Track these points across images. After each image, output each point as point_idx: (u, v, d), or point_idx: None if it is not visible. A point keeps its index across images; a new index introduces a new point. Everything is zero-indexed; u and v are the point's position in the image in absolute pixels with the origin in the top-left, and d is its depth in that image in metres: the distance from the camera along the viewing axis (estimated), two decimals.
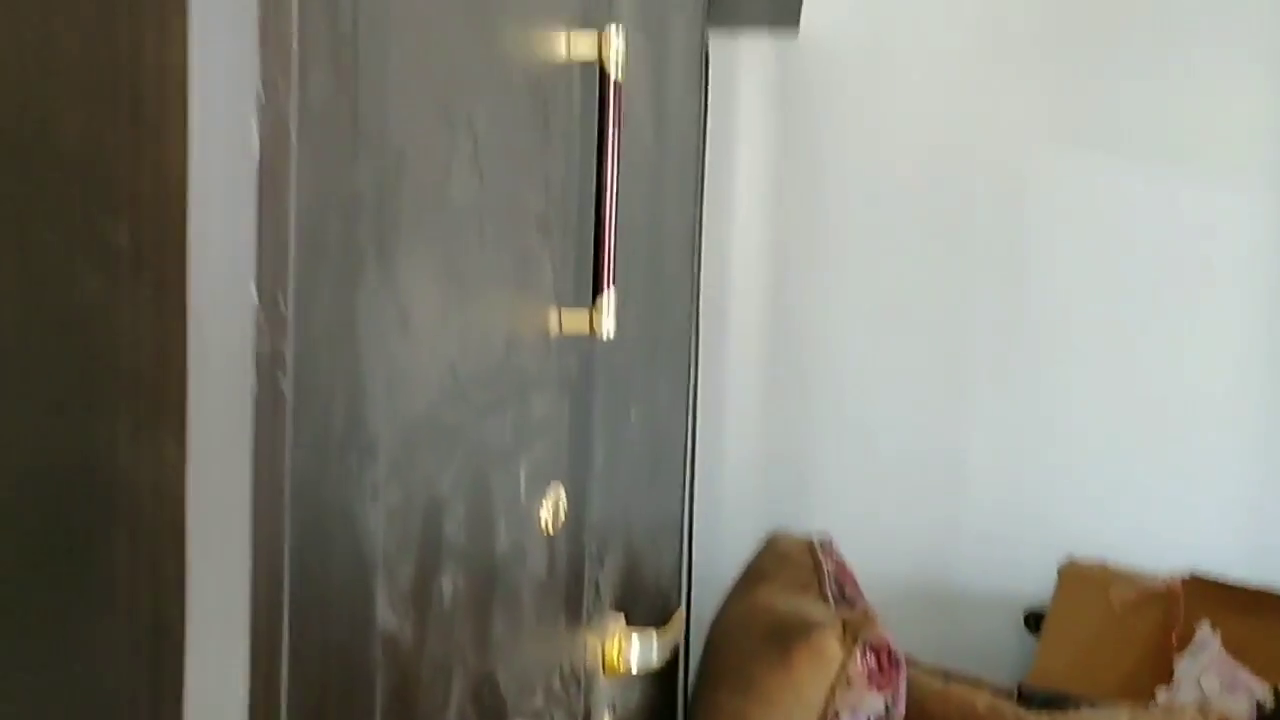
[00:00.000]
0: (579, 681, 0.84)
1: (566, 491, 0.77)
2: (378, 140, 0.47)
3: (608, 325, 0.75)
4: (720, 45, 1.81)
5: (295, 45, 0.40)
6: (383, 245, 0.49)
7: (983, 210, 1.80)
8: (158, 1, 0.37)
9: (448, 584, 0.57)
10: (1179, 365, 1.78)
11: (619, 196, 0.78)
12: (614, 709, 0.97)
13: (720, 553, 1.77)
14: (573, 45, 0.73)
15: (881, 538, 1.81)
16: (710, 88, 1.77)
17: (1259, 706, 1.45)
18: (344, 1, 0.43)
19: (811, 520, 1.77)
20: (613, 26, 0.73)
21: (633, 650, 0.93)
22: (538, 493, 0.72)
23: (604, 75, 0.76)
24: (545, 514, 0.73)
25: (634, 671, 0.93)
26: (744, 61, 1.83)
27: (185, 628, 0.39)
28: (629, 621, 0.97)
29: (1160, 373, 1.78)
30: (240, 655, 0.41)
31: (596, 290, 0.75)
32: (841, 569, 1.42)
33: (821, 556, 1.42)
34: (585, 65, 0.76)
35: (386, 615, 0.50)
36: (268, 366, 0.41)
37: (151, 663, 0.39)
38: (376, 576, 0.49)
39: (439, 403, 0.55)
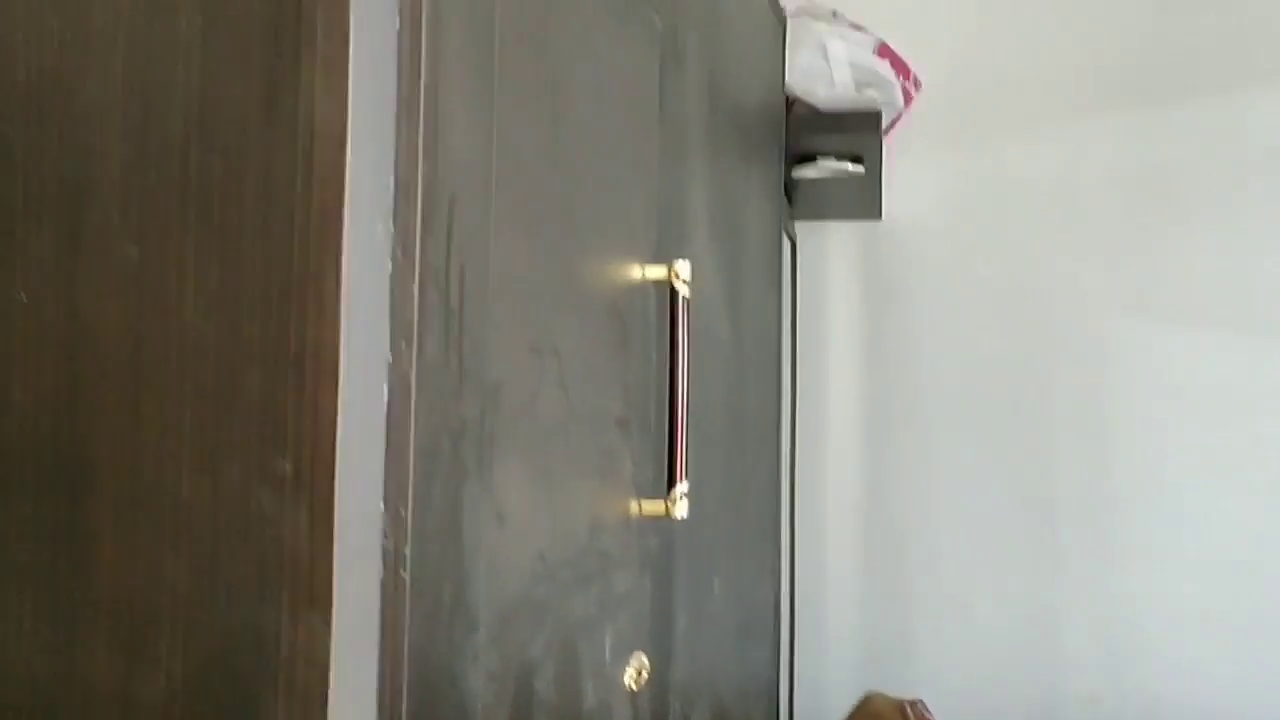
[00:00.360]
0: None
1: (649, 657, 0.87)
2: (478, 378, 0.61)
3: (681, 511, 0.87)
4: (808, 230, 1.96)
5: (415, 321, 0.54)
6: (482, 459, 0.62)
7: (1067, 379, 1.88)
8: (317, 299, 0.51)
9: None
10: (1270, 528, 1.80)
11: (693, 395, 0.91)
12: None
13: (823, 715, 1.83)
14: (647, 272, 0.87)
15: (981, 703, 1.84)
16: (799, 271, 1.91)
17: None
18: (453, 283, 0.57)
19: (911, 686, 1.82)
20: (679, 261, 0.87)
21: None
22: (622, 658, 0.82)
23: (674, 293, 0.89)
24: (629, 677, 0.83)
25: None
26: (832, 246, 1.97)
27: None
28: None
29: (1251, 536, 1.81)
30: None
31: (671, 481, 0.87)
32: None
33: (913, 719, 1.47)
34: (659, 283, 0.90)
35: None
36: (392, 561, 0.54)
37: None
38: None
39: (530, 583, 0.67)
